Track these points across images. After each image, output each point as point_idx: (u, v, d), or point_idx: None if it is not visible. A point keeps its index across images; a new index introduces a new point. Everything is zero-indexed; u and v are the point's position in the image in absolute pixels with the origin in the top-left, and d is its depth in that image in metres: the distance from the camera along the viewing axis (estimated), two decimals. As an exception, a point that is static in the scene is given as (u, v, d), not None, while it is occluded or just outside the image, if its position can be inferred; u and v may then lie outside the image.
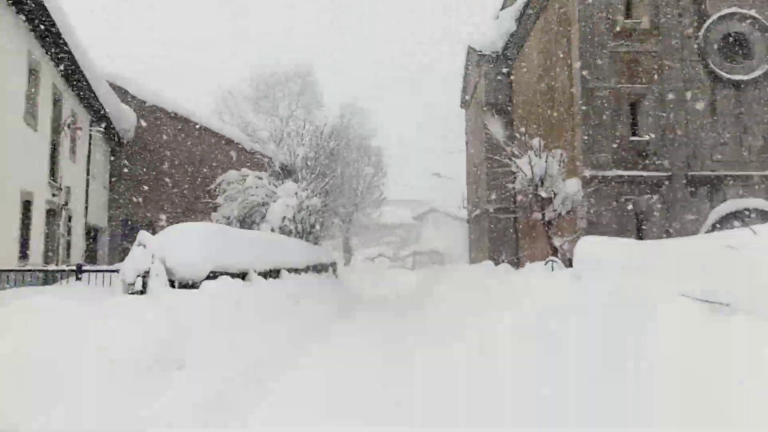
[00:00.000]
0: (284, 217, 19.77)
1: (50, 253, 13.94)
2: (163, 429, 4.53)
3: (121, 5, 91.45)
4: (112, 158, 23.85)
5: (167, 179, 24.46)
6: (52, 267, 10.18)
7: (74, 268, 10.18)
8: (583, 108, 16.24)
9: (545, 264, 9.60)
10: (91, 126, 18.86)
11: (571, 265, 7.08)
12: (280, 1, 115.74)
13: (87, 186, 18.46)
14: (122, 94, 23.60)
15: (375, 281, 27.03)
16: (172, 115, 24.71)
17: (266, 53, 63.81)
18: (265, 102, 35.56)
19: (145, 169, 24.26)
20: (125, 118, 22.39)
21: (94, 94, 17.23)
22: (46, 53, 13.59)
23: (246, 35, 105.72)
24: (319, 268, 21.05)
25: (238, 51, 75.72)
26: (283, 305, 12.09)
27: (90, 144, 18.85)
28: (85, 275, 9.84)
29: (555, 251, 11.91)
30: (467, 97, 30.77)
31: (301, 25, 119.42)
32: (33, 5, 11.50)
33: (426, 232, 71.32)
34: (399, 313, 13.24)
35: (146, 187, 24.06)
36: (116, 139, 22.53)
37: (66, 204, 15.19)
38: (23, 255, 11.87)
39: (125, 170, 24.00)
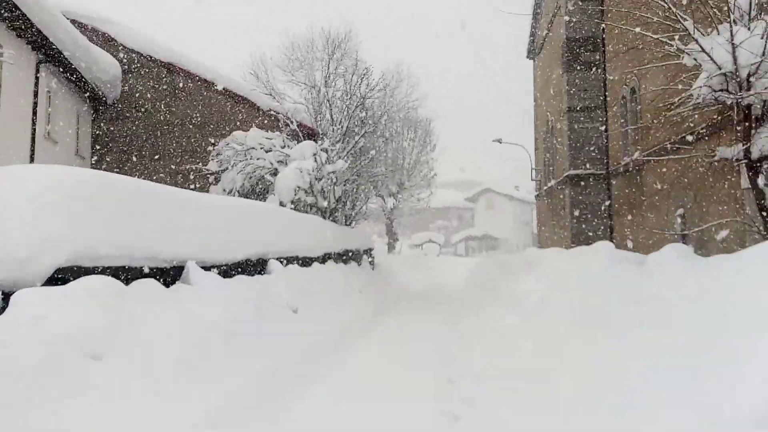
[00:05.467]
0: (297, 188, 14.52)
1: None
2: None
3: None
4: (93, 120, 19.22)
5: (163, 146, 19.62)
6: None
7: None
8: None
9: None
10: (38, 68, 14.09)
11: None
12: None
13: (33, 150, 13.74)
14: (102, 39, 18.87)
15: (420, 271, 21.54)
16: (169, 67, 19.80)
17: (298, 14, 58.05)
18: (300, 73, 30.08)
19: (135, 135, 19.50)
20: (103, 69, 17.59)
21: (32, 22, 12.40)
22: None
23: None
24: (346, 257, 15.79)
25: (269, 9, 70.24)
26: (263, 323, 6.84)
27: (37, 94, 14.07)
28: None
29: (766, 219, 6.13)
30: (538, 43, 24.67)
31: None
32: None
33: (480, 216, 65.32)
34: (456, 324, 7.89)
35: (136, 157, 19.31)
36: (94, 94, 17.82)
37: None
38: None
39: (109, 135, 19.31)
